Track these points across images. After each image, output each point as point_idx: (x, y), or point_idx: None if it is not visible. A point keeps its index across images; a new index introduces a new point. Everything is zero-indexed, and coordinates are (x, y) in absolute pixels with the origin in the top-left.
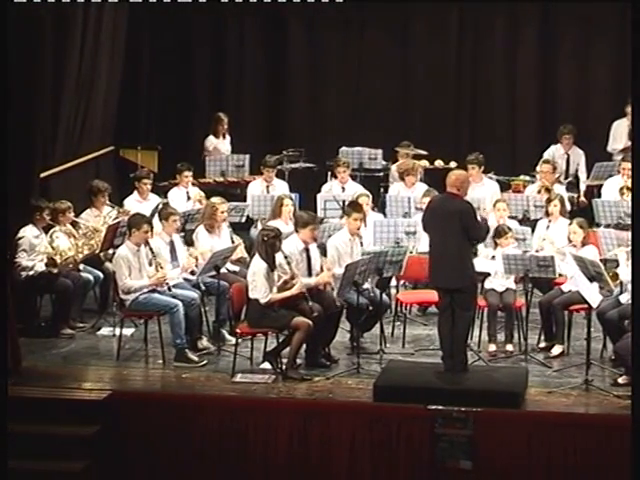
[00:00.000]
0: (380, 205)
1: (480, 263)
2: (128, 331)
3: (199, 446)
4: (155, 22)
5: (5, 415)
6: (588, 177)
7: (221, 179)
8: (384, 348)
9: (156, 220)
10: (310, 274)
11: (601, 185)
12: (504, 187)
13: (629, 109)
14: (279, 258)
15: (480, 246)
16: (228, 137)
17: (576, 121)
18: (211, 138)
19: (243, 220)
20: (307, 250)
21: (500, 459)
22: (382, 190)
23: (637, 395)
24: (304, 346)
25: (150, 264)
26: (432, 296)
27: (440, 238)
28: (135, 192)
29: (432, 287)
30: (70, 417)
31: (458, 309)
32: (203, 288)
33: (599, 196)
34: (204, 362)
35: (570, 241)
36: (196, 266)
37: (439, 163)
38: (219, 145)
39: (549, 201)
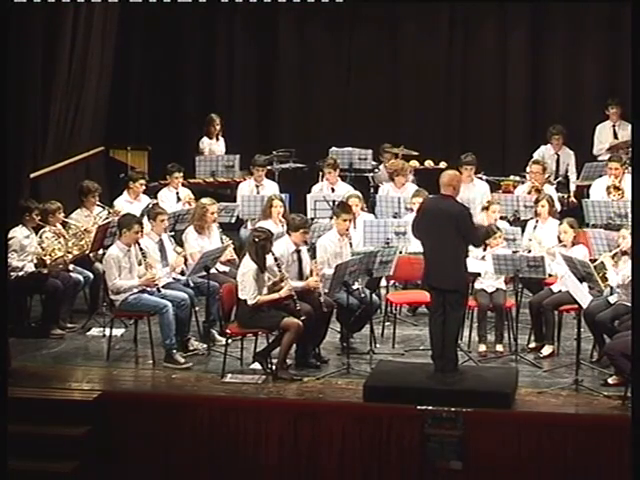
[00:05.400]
0: (370, 205)
1: (470, 263)
2: (118, 331)
3: (189, 446)
4: (145, 22)
5: (5, 415)
6: (578, 177)
7: (211, 179)
8: (374, 348)
9: (145, 220)
10: (301, 277)
11: (591, 185)
12: (494, 187)
13: (611, 111)
14: (269, 260)
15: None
16: (222, 138)
17: (566, 121)
18: (205, 139)
19: (233, 221)
20: (298, 252)
21: (490, 459)
22: (372, 190)
23: (637, 395)
24: (294, 346)
25: (140, 264)
26: (422, 296)
27: (436, 239)
28: (125, 192)
29: (426, 287)
30: (60, 417)
31: (450, 309)
32: (192, 285)
33: (589, 196)
34: (189, 364)
35: (560, 241)
36: (185, 265)
37: (429, 163)
38: (213, 146)
39: (537, 202)
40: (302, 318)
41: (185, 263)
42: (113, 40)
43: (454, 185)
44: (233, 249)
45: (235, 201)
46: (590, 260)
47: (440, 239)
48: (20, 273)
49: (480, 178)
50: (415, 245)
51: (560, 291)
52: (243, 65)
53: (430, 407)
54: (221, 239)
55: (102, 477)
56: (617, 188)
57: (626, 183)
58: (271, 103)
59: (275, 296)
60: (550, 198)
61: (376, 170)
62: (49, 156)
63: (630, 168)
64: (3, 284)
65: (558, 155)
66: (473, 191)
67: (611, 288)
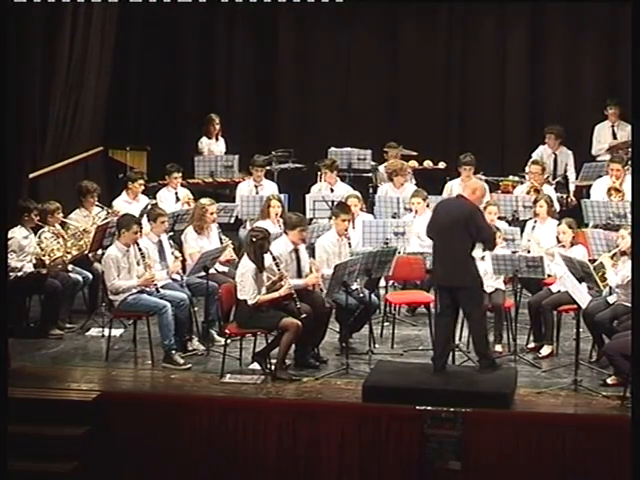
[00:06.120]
0: (369, 205)
1: None
2: (117, 332)
3: (188, 447)
4: (145, 22)
5: (5, 416)
6: (577, 177)
7: (210, 180)
8: (373, 349)
9: (144, 220)
10: (300, 275)
11: (590, 185)
12: (493, 188)
13: (610, 111)
14: (268, 259)
15: None
16: (222, 138)
17: (565, 122)
18: (204, 139)
19: (232, 221)
20: (296, 251)
21: (489, 460)
22: (371, 191)
23: (637, 395)
24: (293, 347)
25: (138, 264)
26: (421, 296)
27: (446, 237)
28: (124, 193)
29: (425, 287)
30: (59, 418)
31: (466, 307)
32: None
33: (588, 196)
34: (188, 366)
35: (559, 241)
36: (183, 269)
37: (428, 163)
38: (212, 146)
39: (536, 202)
40: (302, 316)
41: (183, 264)
42: (112, 40)
43: (473, 189)
44: (232, 249)
45: (234, 201)
46: (589, 260)
47: (450, 238)
48: (19, 273)
49: (479, 178)
50: (414, 245)
51: (559, 291)
52: (242, 65)
53: (429, 407)
54: (220, 239)
55: (101, 477)
56: (618, 190)
57: (627, 185)
58: (270, 103)
59: (275, 295)
60: (549, 198)
61: (377, 168)
62: (48, 156)
63: (630, 169)
64: (2, 284)
65: (555, 155)
66: None
67: (610, 288)
